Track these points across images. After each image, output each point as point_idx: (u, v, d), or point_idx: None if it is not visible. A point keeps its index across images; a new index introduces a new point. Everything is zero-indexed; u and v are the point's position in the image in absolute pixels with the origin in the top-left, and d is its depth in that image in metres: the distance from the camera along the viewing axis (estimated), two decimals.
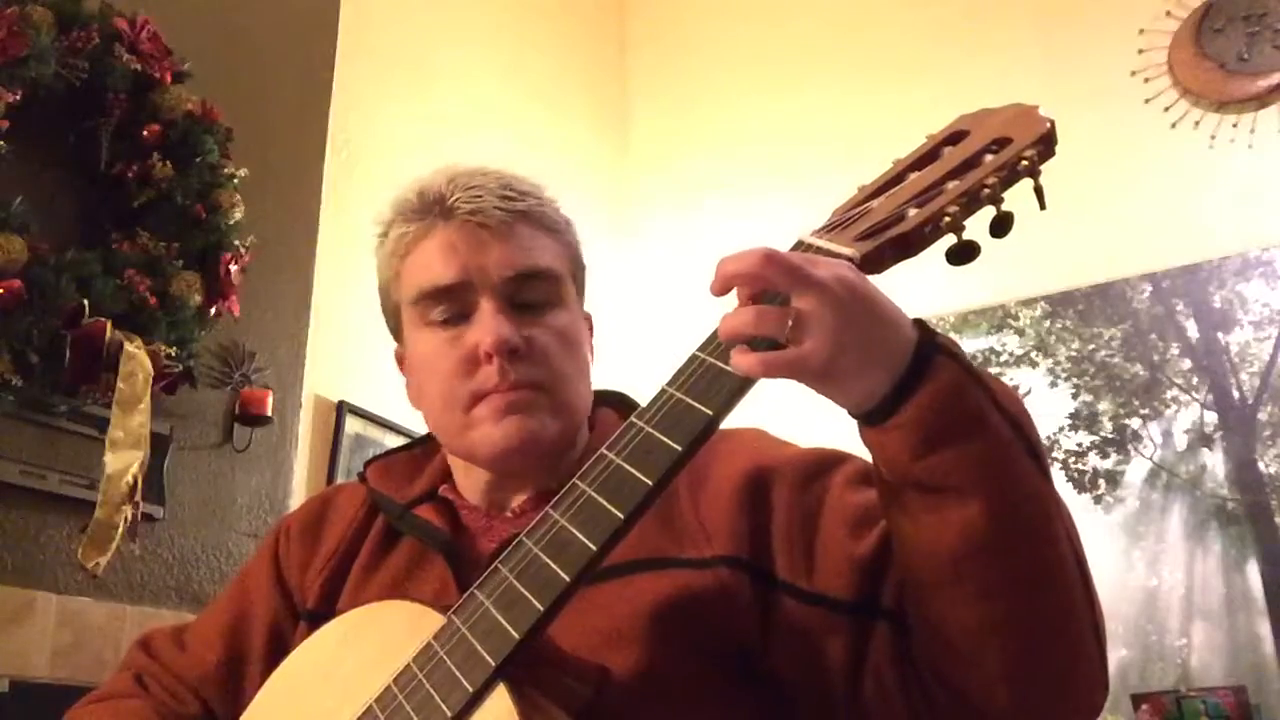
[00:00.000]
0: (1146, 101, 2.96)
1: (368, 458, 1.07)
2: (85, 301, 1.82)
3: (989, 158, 0.72)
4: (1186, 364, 2.85)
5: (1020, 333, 3.08)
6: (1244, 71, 2.90)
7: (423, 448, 1.04)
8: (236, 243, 2.12)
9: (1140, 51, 3.00)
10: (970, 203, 0.71)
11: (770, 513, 0.82)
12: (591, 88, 3.81)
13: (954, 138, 0.77)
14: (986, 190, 0.71)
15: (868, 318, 0.66)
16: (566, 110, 3.59)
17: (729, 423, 0.71)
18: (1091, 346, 2.98)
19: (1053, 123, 0.72)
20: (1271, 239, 2.80)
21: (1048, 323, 3.05)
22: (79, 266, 1.85)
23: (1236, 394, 2.77)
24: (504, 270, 0.89)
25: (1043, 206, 0.71)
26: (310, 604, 0.95)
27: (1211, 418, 2.78)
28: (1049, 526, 0.71)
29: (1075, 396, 2.96)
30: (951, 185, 0.72)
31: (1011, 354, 3.08)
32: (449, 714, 0.68)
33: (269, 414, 2.24)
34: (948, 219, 0.71)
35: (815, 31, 3.63)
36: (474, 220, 0.90)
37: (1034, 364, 3.04)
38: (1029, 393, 3.02)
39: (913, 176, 0.76)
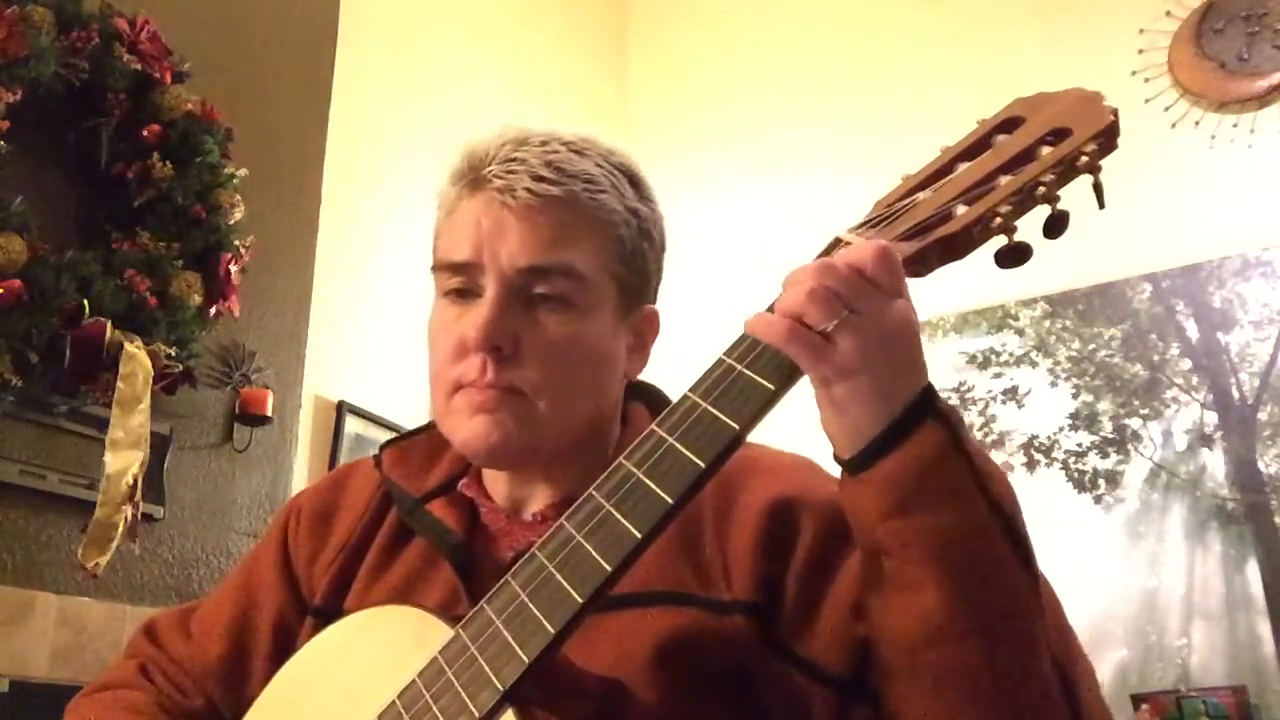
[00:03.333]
0: (1146, 101, 2.96)
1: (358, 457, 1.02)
2: (85, 301, 1.83)
3: (1045, 150, 0.67)
4: (1186, 364, 2.85)
5: (1020, 333, 3.08)
6: (1244, 71, 2.90)
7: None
8: (236, 243, 2.12)
9: (1140, 51, 3.00)
10: (1024, 201, 0.66)
11: (789, 556, 0.77)
12: (591, 87, 3.81)
13: (1008, 124, 0.71)
14: (1042, 188, 0.66)
15: (903, 357, 0.65)
16: (566, 110, 3.59)
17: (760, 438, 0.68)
18: (1091, 346, 2.98)
19: (1116, 113, 0.67)
20: (1271, 239, 2.80)
21: (1048, 323, 3.05)
22: (79, 266, 1.85)
23: (1236, 394, 2.76)
24: (516, 259, 0.81)
25: (1101, 205, 0.66)
26: (317, 600, 0.91)
27: (1211, 418, 2.78)
28: (1022, 626, 0.65)
29: (1075, 396, 2.96)
30: (1004, 181, 0.67)
31: (1011, 354, 3.08)
32: None
33: (269, 414, 2.24)
34: (999, 219, 0.66)
35: (813, 33, 3.63)
36: (500, 198, 0.82)
37: (1034, 364, 3.04)
38: (1029, 393, 3.02)
39: (962, 168, 0.70)
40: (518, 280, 0.81)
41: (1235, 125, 2.89)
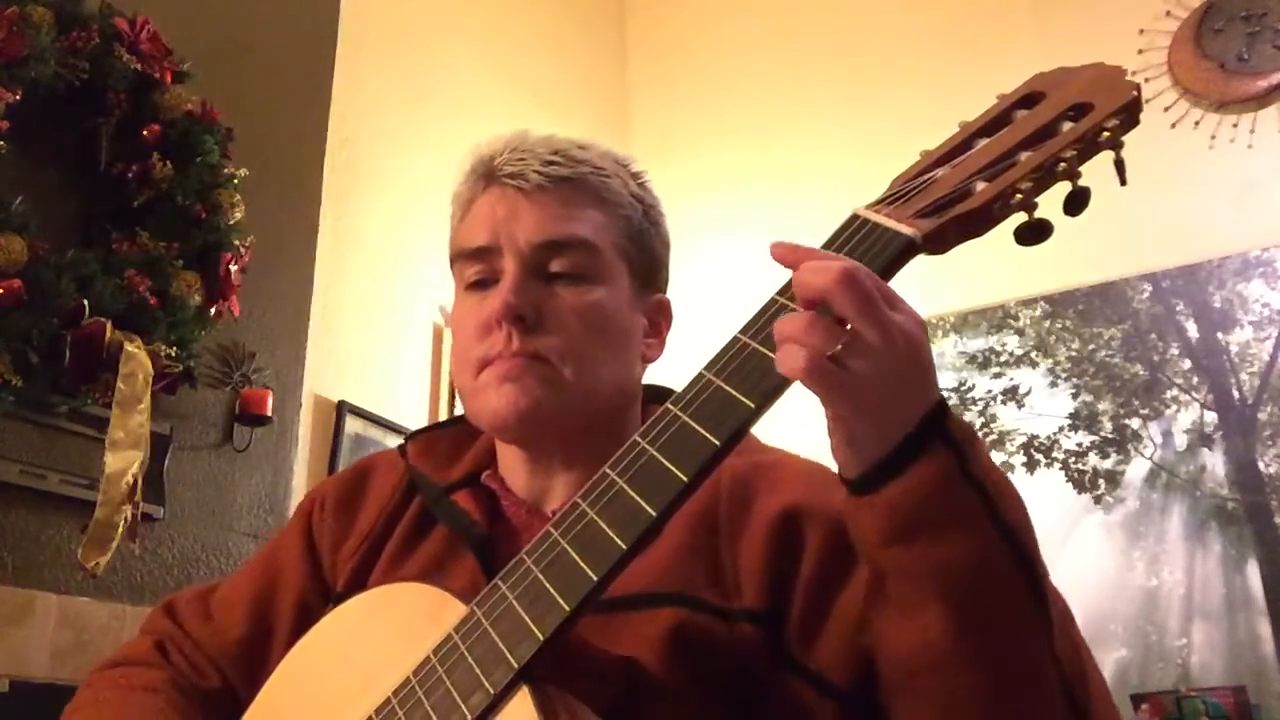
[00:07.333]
0: (1146, 102, 2.95)
1: (366, 455, 1.03)
2: (85, 301, 1.82)
3: (1066, 126, 0.66)
4: (1186, 364, 2.85)
5: (1020, 333, 3.08)
6: (1244, 71, 2.90)
7: (467, 425, 0.97)
8: (236, 243, 2.12)
9: (1140, 51, 3.00)
10: (1044, 177, 0.65)
11: (797, 567, 0.77)
12: (591, 87, 3.81)
13: (1028, 100, 0.71)
14: (1063, 164, 0.65)
15: (913, 377, 0.62)
16: (566, 110, 3.59)
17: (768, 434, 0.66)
18: (1091, 346, 2.98)
19: (1139, 88, 0.66)
20: (1271, 239, 2.80)
21: (1048, 323, 3.05)
22: (79, 266, 1.85)
23: (1236, 394, 2.77)
24: (532, 236, 0.86)
25: (1123, 182, 0.65)
26: (340, 586, 0.91)
27: (1211, 418, 2.78)
28: (1026, 654, 0.64)
29: (1075, 396, 2.96)
30: (1024, 157, 0.66)
31: (1011, 354, 3.08)
32: (469, 716, 0.65)
33: (269, 414, 2.23)
34: (1019, 196, 0.65)
35: (814, 34, 3.63)
36: (512, 184, 0.87)
37: (1034, 364, 3.04)
38: (1029, 393, 3.02)
39: (981, 143, 0.69)
40: (534, 257, 0.86)
41: (1235, 125, 2.89)
